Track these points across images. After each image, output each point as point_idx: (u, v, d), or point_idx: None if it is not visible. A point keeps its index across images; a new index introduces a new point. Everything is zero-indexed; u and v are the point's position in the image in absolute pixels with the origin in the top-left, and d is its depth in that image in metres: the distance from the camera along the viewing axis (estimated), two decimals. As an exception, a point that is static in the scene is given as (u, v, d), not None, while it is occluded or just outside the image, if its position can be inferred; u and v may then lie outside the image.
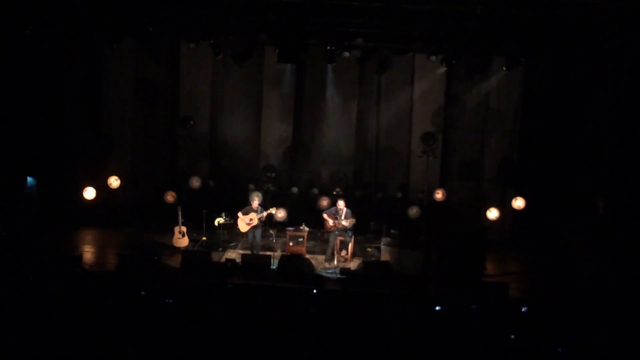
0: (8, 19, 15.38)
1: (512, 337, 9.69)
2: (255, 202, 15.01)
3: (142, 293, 10.88)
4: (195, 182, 17.51)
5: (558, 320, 10.80)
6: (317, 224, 16.27)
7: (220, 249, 15.90)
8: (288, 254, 15.30)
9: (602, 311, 11.68)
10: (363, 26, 16.07)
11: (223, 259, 14.97)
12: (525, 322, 10.72)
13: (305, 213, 17.03)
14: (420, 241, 16.29)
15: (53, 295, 10.54)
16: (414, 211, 17.15)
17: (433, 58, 17.03)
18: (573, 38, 15.76)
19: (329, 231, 15.21)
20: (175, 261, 14.73)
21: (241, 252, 15.42)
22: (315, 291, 11.67)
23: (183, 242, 15.73)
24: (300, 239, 15.72)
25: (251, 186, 17.91)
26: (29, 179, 16.97)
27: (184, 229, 15.74)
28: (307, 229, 15.98)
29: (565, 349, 9.43)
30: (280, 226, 17.03)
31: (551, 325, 10.45)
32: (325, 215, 15.20)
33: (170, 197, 17.04)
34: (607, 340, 9.91)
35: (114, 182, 17.29)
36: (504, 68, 17.08)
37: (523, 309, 11.00)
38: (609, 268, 13.95)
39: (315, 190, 18.28)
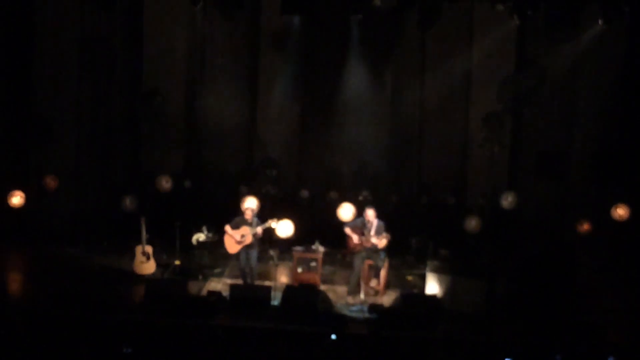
0: None
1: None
2: (250, 212, 14.85)
3: (90, 338, 10.82)
4: (165, 183, 17.47)
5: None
6: (336, 241, 16.21)
7: (201, 277, 15.75)
8: (295, 284, 15.19)
9: None
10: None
11: (204, 292, 14.76)
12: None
13: (320, 226, 17.00)
14: (482, 265, 16.14)
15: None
16: (473, 223, 17.01)
17: (500, 7, 16.79)
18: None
19: (353, 252, 15.04)
20: (137, 294, 14.54)
21: (230, 281, 15.28)
22: (333, 336, 11.51)
23: (148, 267, 15.58)
24: (313, 264, 15.51)
25: (243, 188, 17.90)
26: None
27: (149, 249, 15.57)
28: (322, 249, 15.80)
29: None
30: (285, 245, 16.82)
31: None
32: (348, 230, 14.98)
33: (129, 203, 16.98)
34: None
35: (52, 182, 17.29)
36: (600, 22, 16.83)
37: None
38: None
39: (334, 195, 18.22)
